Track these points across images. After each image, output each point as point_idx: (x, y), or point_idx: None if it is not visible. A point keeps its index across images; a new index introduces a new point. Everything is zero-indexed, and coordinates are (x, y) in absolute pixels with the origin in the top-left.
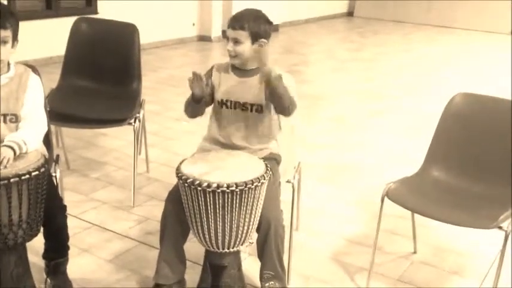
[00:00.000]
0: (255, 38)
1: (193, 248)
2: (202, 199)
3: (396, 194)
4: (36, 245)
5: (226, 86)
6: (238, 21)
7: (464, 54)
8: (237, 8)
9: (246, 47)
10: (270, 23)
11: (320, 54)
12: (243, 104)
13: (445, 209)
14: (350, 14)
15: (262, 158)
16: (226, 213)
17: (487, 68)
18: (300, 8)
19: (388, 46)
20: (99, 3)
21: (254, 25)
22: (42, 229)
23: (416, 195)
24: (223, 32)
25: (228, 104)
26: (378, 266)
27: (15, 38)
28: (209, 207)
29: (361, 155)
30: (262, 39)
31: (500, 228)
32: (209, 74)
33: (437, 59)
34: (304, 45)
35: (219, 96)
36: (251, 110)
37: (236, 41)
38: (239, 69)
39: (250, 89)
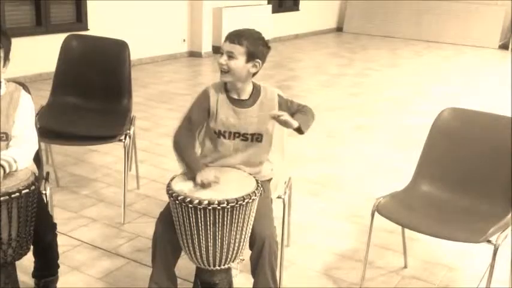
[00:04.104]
0: (250, 56)
1: (184, 265)
2: (193, 216)
3: (386, 208)
4: (26, 264)
5: (225, 116)
6: (237, 36)
7: (452, 68)
8: (227, 23)
9: (240, 63)
10: (269, 47)
11: (309, 69)
12: (243, 134)
13: (434, 224)
14: (339, 29)
15: None
16: (217, 230)
17: (475, 82)
18: (289, 24)
19: (377, 61)
20: (89, 19)
21: (252, 44)
22: (31, 247)
23: (405, 209)
24: (214, 47)
25: (226, 135)
26: (369, 281)
27: (6, 57)
28: (200, 224)
29: (351, 169)
30: (257, 60)
31: (489, 242)
32: (206, 97)
33: (425, 73)
34: (294, 60)
35: (216, 126)
36: (251, 140)
37: (230, 55)
38: (235, 99)
39: (250, 119)
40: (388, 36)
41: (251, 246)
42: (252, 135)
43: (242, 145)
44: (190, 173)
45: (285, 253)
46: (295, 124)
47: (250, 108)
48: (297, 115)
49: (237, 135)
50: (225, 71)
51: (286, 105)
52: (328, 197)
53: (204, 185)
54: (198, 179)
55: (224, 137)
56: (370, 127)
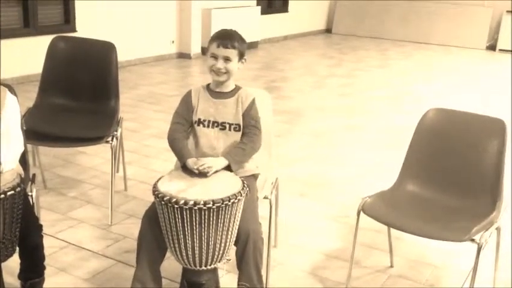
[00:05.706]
0: (241, 56)
1: (171, 265)
2: (179, 216)
3: (372, 208)
4: (12, 265)
5: (204, 105)
6: (229, 40)
7: (440, 69)
8: (216, 25)
9: (235, 64)
10: (245, 43)
11: (299, 70)
12: (221, 123)
13: (419, 223)
14: (328, 30)
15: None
16: (203, 230)
17: (463, 83)
18: (278, 25)
19: (366, 62)
20: (77, 21)
21: (241, 44)
22: (17, 249)
23: (391, 209)
24: (203, 49)
25: (206, 123)
26: (356, 280)
27: None
28: (186, 225)
29: (338, 169)
30: (244, 57)
31: (472, 240)
32: (189, 94)
33: (414, 74)
34: (283, 61)
35: (196, 116)
36: (229, 129)
37: (227, 59)
38: (215, 92)
39: (228, 109)
40: (377, 38)
41: (236, 242)
42: (230, 124)
43: (222, 134)
44: (180, 161)
45: (272, 253)
46: (224, 165)
47: (227, 100)
48: (234, 149)
49: (215, 124)
50: (223, 73)
51: (249, 113)
52: (316, 197)
53: (199, 170)
54: (191, 163)
55: (204, 125)
56: (359, 127)
